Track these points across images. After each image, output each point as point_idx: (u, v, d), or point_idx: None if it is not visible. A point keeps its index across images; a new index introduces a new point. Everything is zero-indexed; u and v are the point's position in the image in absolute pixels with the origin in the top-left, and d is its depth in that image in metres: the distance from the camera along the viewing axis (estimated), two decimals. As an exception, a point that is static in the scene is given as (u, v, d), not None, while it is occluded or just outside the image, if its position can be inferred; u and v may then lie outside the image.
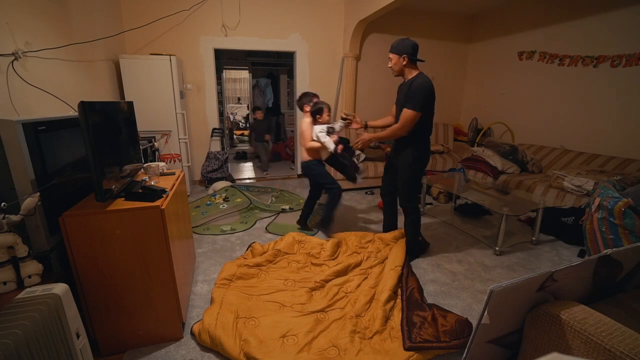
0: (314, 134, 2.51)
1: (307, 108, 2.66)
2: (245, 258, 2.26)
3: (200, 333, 1.58)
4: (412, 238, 2.39)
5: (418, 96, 1.99)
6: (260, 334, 1.58)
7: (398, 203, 2.43)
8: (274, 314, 1.73)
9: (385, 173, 2.51)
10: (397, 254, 2.21)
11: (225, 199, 3.55)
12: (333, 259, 2.31)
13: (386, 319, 1.73)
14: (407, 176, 2.23)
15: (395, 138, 2.22)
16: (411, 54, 2.00)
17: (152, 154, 3.17)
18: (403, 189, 2.30)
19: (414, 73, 2.06)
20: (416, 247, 2.45)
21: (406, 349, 1.52)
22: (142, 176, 1.88)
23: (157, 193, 1.53)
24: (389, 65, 2.12)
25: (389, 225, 2.63)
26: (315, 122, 2.55)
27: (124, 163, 1.65)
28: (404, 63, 2.03)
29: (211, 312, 1.69)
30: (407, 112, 2.03)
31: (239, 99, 9.44)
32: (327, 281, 2.04)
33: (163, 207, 1.43)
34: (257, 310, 1.76)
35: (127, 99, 3.21)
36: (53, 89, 2.03)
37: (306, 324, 1.66)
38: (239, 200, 3.53)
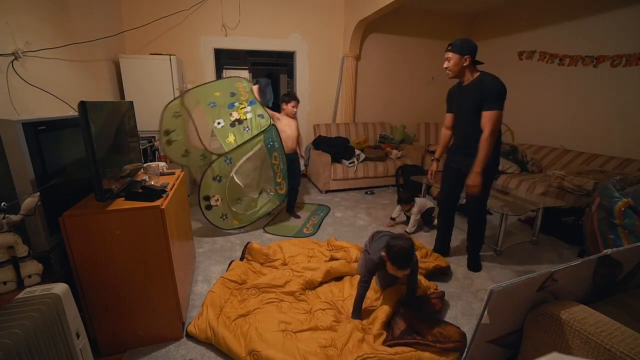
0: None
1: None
2: (249, 261, 2.26)
3: (198, 328, 1.60)
4: (477, 249, 2.31)
5: (499, 94, 1.87)
6: (260, 328, 1.61)
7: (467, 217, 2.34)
8: (270, 309, 1.77)
9: (448, 183, 2.31)
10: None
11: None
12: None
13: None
14: (484, 181, 2.01)
15: (491, 149, 1.94)
16: (474, 56, 1.90)
17: (152, 154, 3.16)
18: (475, 197, 2.09)
19: (476, 74, 1.95)
20: (478, 262, 2.33)
21: (387, 344, 1.54)
22: (142, 176, 1.88)
23: (157, 193, 1.53)
24: (446, 66, 1.97)
25: (444, 243, 2.50)
26: None
27: (123, 163, 1.65)
28: (465, 64, 1.91)
29: (212, 307, 1.73)
30: (492, 114, 1.88)
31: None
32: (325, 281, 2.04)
33: (163, 207, 1.43)
34: (253, 306, 1.80)
35: (127, 99, 3.20)
36: (53, 89, 2.03)
37: (302, 320, 1.70)
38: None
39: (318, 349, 1.48)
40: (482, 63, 1.97)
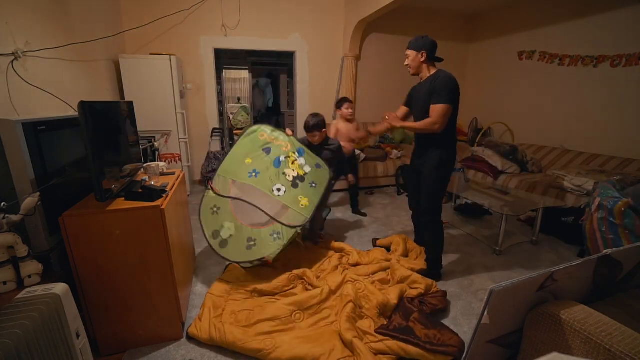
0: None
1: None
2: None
3: (201, 329, 1.60)
4: (432, 256, 2.17)
5: (446, 88, 1.84)
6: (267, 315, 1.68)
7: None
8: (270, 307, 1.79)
9: (409, 181, 2.33)
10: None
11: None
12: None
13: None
14: (431, 183, 2.01)
15: (424, 132, 1.96)
16: (430, 51, 1.90)
17: (152, 154, 3.17)
18: (425, 199, 2.06)
19: (433, 71, 1.95)
20: (435, 271, 2.17)
21: (378, 331, 1.59)
22: (142, 176, 1.88)
23: (157, 193, 1.53)
24: (406, 63, 2.00)
25: (421, 238, 2.44)
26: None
27: (124, 163, 1.65)
28: (422, 60, 1.92)
29: (214, 309, 1.74)
30: (437, 107, 1.85)
31: (239, 99, 9.43)
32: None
33: (163, 207, 1.43)
34: (252, 306, 1.81)
35: (127, 99, 3.20)
36: (53, 89, 2.03)
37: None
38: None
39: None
40: (441, 60, 1.97)
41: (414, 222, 2.45)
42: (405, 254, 2.37)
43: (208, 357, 1.53)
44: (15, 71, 1.74)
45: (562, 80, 3.79)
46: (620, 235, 2.09)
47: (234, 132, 8.20)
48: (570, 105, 3.73)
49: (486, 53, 4.89)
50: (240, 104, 9.36)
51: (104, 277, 1.42)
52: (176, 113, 3.48)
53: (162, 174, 1.95)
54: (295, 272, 2.01)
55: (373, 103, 4.95)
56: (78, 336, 1.18)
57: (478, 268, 2.35)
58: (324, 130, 2.42)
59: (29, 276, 1.27)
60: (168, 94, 3.38)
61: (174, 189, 1.71)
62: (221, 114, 5.54)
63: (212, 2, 3.89)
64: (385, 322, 1.69)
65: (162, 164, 2.04)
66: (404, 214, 3.42)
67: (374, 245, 2.61)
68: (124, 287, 1.46)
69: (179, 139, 3.57)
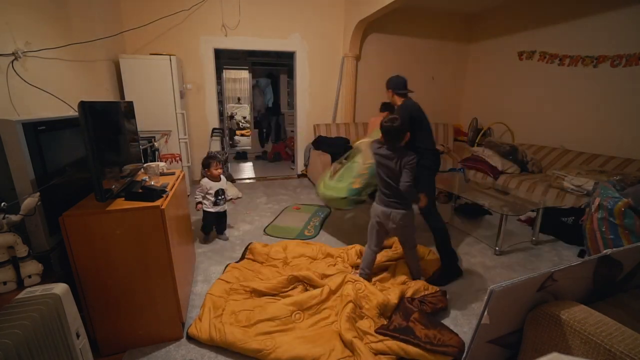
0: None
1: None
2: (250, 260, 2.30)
3: (201, 330, 1.60)
4: (444, 257, 2.24)
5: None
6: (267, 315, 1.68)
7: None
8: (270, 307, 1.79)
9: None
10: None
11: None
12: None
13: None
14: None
15: None
16: (394, 89, 2.28)
17: (152, 154, 3.17)
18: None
19: (400, 102, 2.28)
20: (448, 265, 2.22)
21: (378, 331, 1.59)
22: (142, 176, 1.88)
23: (157, 193, 1.53)
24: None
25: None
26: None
27: (124, 163, 1.65)
28: (391, 96, 2.32)
29: (214, 309, 1.74)
30: None
31: (239, 99, 9.44)
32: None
33: (163, 207, 1.43)
34: (253, 305, 1.81)
35: (127, 99, 3.20)
36: (53, 89, 2.03)
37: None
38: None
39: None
40: (411, 92, 2.26)
41: None
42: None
43: (208, 357, 1.53)
44: (15, 71, 1.74)
45: (562, 80, 3.79)
46: (620, 235, 2.09)
47: (235, 132, 8.23)
48: (570, 105, 3.73)
49: (486, 53, 4.88)
50: (240, 104, 9.38)
51: (104, 277, 1.42)
52: (176, 113, 3.48)
53: (162, 174, 1.95)
54: (296, 273, 2.01)
55: (373, 103, 4.93)
56: (78, 336, 1.18)
57: (478, 268, 2.35)
58: None
59: (29, 276, 1.27)
60: (168, 94, 3.38)
61: (174, 189, 1.71)
62: (221, 114, 5.55)
63: (212, 2, 3.89)
64: (385, 322, 1.69)
65: (162, 164, 2.04)
66: (404, 214, 3.41)
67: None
68: (124, 287, 1.46)
69: (179, 139, 3.57)
